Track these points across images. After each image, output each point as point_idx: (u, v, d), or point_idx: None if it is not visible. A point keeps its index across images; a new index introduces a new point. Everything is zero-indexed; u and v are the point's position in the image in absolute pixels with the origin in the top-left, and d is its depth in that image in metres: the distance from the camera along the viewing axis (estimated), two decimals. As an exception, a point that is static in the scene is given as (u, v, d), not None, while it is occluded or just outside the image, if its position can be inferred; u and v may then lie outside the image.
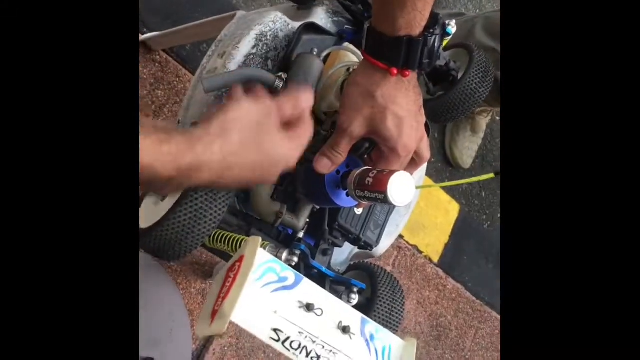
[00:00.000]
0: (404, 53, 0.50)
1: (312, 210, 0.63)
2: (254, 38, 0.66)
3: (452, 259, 1.38)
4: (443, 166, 1.44)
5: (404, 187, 0.50)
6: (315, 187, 0.56)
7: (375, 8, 0.51)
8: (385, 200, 0.50)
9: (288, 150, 0.49)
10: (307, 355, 0.47)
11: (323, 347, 0.48)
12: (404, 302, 0.65)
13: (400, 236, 1.30)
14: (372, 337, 0.52)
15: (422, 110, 0.56)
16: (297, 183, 0.60)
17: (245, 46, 0.65)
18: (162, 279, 1.03)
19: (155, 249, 0.50)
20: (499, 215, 1.54)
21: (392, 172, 0.50)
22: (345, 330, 0.50)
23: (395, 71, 0.51)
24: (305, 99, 0.50)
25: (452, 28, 0.78)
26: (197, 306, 1.05)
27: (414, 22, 0.49)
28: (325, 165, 0.54)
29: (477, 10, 1.58)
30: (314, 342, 0.48)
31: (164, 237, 0.49)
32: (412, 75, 0.52)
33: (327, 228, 0.63)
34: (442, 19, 0.52)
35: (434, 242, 1.36)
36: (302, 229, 0.62)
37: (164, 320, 1.00)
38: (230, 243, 0.55)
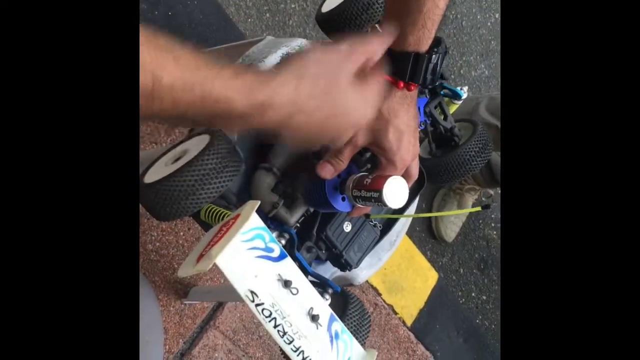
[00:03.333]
0: (411, 68, 0.54)
1: (305, 214, 0.66)
2: (280, 56, 0.71)
3: (425, 325, 1.38)
4: (427, 236, 1.48)
5: (399, 190, 0.54)
6: (315, 188, 0.60)
7: (385, 24, 0.55)
8: (379, 199, 0.53)
9: (361, 106, 0.48)
10: (275, 327, 0.48)
11: (290, 325, 0.49)
12: (370, 327, 0.67)
13: (378, 294, 1.31)
14: (337, 335, 0.53)
15: (418, 131, 0.59)
16: (298, 182, 0.63)
17: (271, 62, 0.70)
18: (145, 291, 1.00)
19: (155, 202, 0.52)
20: (473, 294, 1.56)
21: (389, 175, 0.54)
22: (314, 318, 0.51)
23: (401, 84, 0.54)
24: (383, 41, 0.49)
25: (465, 93, 0.85)
26: (172, 325, 1.01)
27: (423, 39, 0.53)
28: (328, 171, 0.57)
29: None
30: (283, 318, 0.49)
31: (168, 192, 0.51)
32: (415, 92, 0.56)
33: (315, 233, 0.66)
34: (444, 42, 0.56)
35: (409, 305, 1.37)
36: (293, 228, 0.64)
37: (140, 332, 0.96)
38: (223, 219, 0.58)
